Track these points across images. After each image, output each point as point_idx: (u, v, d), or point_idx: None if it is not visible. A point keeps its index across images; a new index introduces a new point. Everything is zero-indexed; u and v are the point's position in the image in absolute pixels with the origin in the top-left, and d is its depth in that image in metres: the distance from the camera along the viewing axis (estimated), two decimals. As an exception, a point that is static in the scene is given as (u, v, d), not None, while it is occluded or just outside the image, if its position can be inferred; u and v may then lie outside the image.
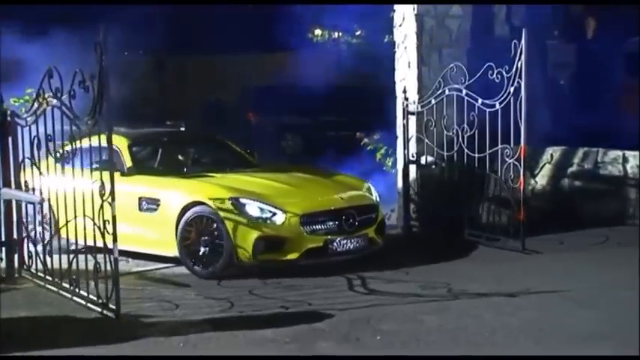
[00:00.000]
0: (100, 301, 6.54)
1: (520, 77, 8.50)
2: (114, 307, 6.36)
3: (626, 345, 5.49)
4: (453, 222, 9.48)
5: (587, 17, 12.00)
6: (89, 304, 6.67)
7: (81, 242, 6.95)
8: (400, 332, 5.97)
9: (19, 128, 7.93)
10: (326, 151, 13.52)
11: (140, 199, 8.42)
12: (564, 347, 5.56)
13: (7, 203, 8.23)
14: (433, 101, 9.78)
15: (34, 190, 7.59)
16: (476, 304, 6.66)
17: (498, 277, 7.64)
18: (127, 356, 5.12)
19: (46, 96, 7.18)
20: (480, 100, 9.05)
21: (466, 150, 9.34)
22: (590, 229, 9.44)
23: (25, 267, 8.00)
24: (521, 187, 8.81)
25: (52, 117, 7.09)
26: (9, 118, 8.17)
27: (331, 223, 8.10)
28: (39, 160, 7.53)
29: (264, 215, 7.92)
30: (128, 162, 8.81)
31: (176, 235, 8.10)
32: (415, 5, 10.61)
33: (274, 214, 7.92)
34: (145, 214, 8.41)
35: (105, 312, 6.47)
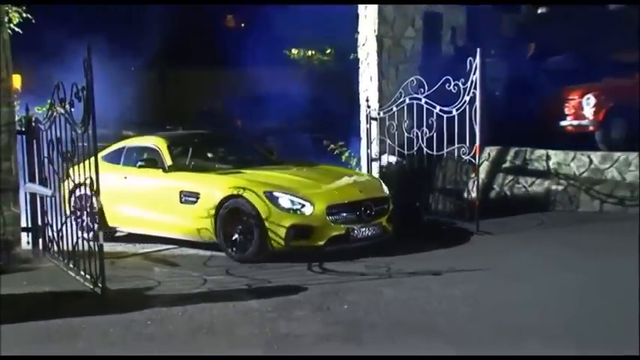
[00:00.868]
0: (92, 279, 6.53)
1: (475, 88, 8.53)
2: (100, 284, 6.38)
3: (550, 314, 5.55)
4: (412, 210, 9.50)
5: (524, 40, 12.13)
6: (85, 282, 6.67)
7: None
8: (363, 302, 5.98)
9: (41, 133, 7.93)
10: (301, 151, 13.48)
11: (181, 192, 8.22)
12: (496, 315, 5.60)
13: (32, 196, 8.19)
14: (394, 108, 9.80)
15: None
16: (427, 280, 6.65)
17: (455, 254, 7.66)
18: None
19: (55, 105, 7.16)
20: (438, 107, 9.06)
21: (425, 149, 9.37)
22: (525, 214, 9.49)
23: (48, 250, 7.98)
24: (476, 178, 8.92)
25: (60, 123, 7.08)
26: (33, 124, 8.23)
27: (351, 213, 7.88)
28: (56, 159, 7.42)
29: (294, 207, 7.68)
30: (168, 160, 8.61)
31: (215, 224, 7.92)
32: (376, 27, 10.66)
33: (303, 205, 7.69)
34: (186, 206, 8.22)
35: (94, 288, 6.46)
